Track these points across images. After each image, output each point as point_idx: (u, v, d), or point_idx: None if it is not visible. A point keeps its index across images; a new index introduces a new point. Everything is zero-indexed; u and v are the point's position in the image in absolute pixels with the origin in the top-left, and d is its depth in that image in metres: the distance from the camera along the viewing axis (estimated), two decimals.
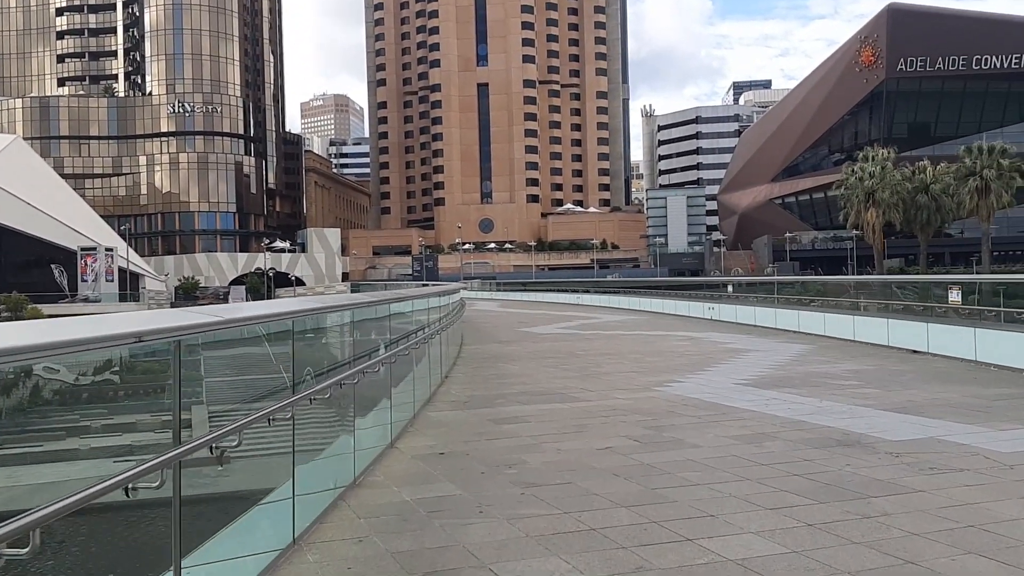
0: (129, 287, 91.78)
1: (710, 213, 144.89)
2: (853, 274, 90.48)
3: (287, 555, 5.28)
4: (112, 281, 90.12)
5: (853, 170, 78.39)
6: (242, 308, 4.96)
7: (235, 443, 4.25)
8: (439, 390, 13.41)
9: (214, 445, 4.11)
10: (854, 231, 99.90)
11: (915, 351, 17.54)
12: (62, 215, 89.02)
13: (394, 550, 5.41)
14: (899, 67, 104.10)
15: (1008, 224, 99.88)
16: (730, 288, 30.26)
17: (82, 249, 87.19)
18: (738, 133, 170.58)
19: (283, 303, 6.24)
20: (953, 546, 5.30)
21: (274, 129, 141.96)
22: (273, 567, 5.06)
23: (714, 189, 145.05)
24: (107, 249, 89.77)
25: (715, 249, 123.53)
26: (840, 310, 22.40)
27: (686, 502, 6.42)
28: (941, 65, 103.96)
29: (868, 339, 19.71)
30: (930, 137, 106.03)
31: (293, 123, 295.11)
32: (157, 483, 3.45)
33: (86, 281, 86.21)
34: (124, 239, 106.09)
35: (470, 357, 19.10)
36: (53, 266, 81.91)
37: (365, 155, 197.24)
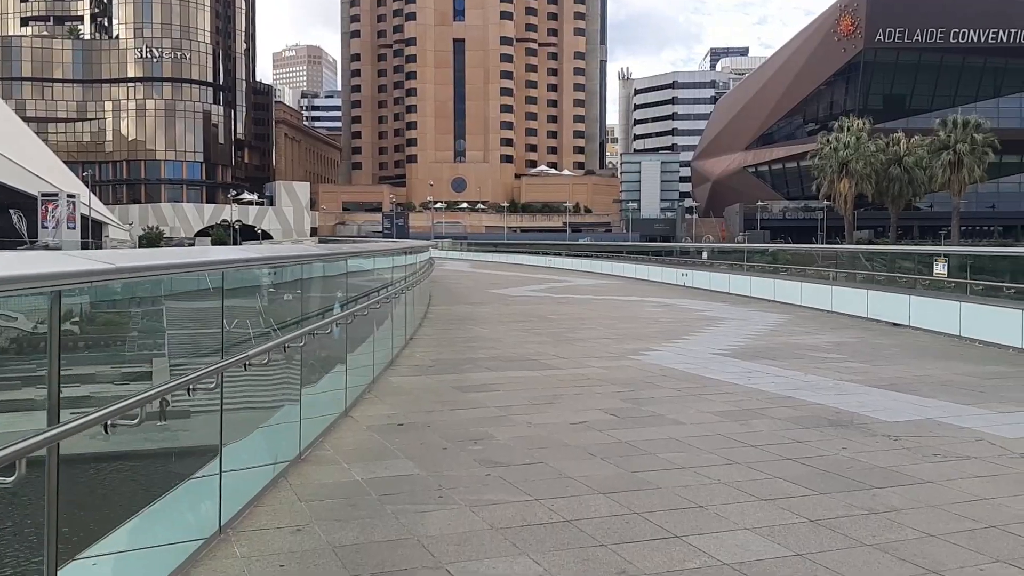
0: (92, 236, 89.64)
1: (684, 180, 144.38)
2: (822, 244, 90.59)
3: (210, 546, 4.51)
4: (74, 229, 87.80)
5: (828, 140, 77.98)
6: (149, 256, 4.10)
7: (135, 421, 3.43)
8: (402, 353, 12.63)
9: (109, 422, 3.30)
10: (825, 202, 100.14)
11: (896, 324, 17.02)
12: (23, 160, 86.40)
13: (337, 543, 4.66)
14: (877, 38, 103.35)
15: (976, 199, 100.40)
16: (704, 255, 29.70)
17: (43, 195, 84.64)
18: (714, 100, 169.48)
19: (211, 251, 5.41)
20: (977, 552, 4.64)
21: (244, 78, 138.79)
22: (192, 562, 4.29)
23: (688, 156, 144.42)
24: (69, 195, 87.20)
25: (687, 216, 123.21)
26: (817, 280, 21.84)
27: (670, 489, 5.72)
28: (919, 37, 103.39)
29: (846, 310, 19.17)
30: (905, 109, 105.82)
31: (264, 74, 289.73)
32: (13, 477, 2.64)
33: (46, 228, 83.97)
34: (88, 186, 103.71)
35: (438, 318, 18.32)
36: (12, 211, 79.44)
37: (337, 108, 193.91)
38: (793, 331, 16.14)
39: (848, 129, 77.67)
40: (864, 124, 78.49)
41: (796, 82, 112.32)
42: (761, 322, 17.69)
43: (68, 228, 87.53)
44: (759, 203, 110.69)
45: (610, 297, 25.47)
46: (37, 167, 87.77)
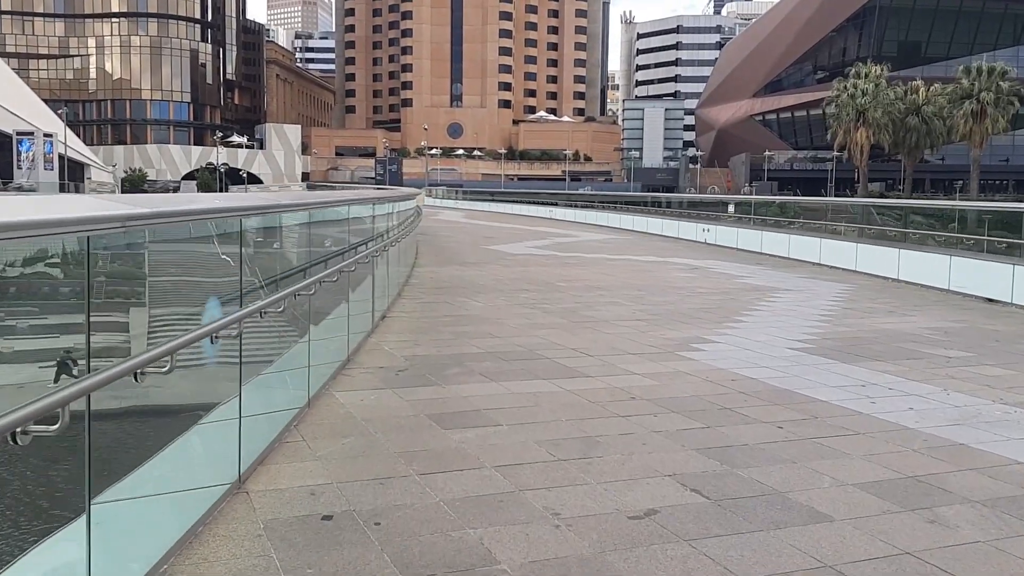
0: (72, 177, 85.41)
1: (687, 128, 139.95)
2: (830, 196, 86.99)
3: None
4: (52, 170, 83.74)
5: (845, 87, 73.82)
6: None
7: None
8: (367, 342, 9.23)
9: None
10: (835, 152, 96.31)
11: (991, 300, 13.64)
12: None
13: None
14: None
15: (990, 152, 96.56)
16: (730, 208, 26.21)
17: (18, 133, 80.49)
18: (719, 46, 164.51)
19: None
20: None
21: (234, 16, 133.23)
22: None
23: (692, 103, 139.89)
24: (46, 134, 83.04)
25: (691, 166, 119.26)
26: (878, 241, 18.40)
27: None
28: None
29: (917, 279, 15.79)
30: (920, 57, 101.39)
31: (258, 14, 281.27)
32: None
33: (21, 168, 79.85)
34: (67, 124, 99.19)
35: (422, 284, 14.90)
36: None
37: (332, 51, 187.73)
38: (872, 309, 12.74)
39: (866, 76, 73.49)
40: (882, 70, 74.30)
41: (807, 27, 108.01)
42: (825, 294, 14.30)
43: (45, 169, 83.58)
44: (766, 153, 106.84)
45: (626, 257, 22.00)
46: (12, 104, 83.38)
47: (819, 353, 9.03)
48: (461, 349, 8.88)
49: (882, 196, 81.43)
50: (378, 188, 52.96)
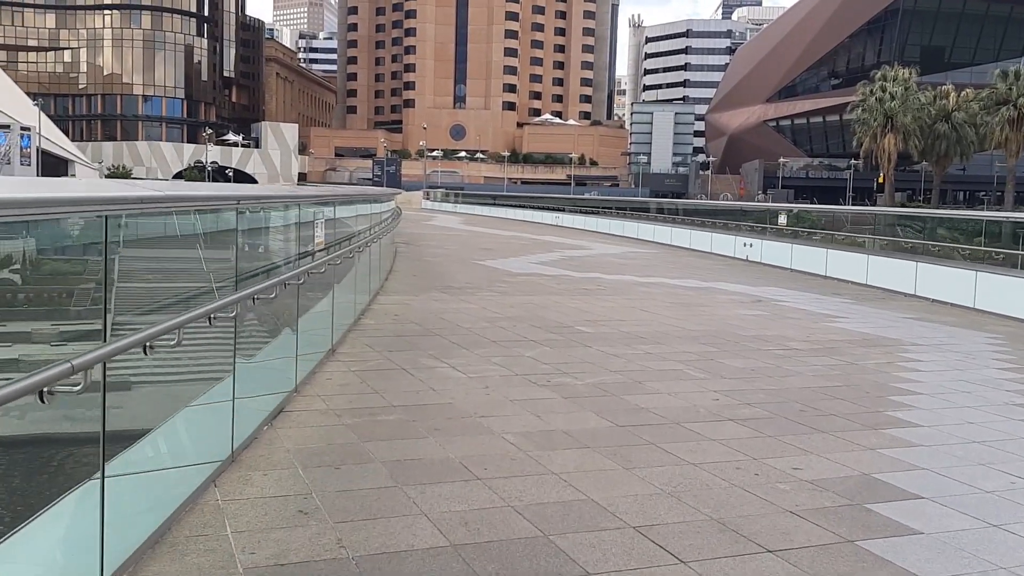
0: (53, 173, 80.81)
1: (697, 134, 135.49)
2: (848, 205, 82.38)
3: None
4: (28, 165, 79.21)
5: (872, 90, 69.20)
6: None
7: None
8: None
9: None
10: (853, 160, 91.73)
11: None
12: None
13: None
14: None
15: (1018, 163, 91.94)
16: (782, 219, 21.53)
17: None
18: (730, 50, 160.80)
19: None
20: None
21: (233, 11, 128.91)
22: None
23: (702, 108, 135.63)
24: (23, 128, 78.44)
25: (702, 172, 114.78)
26: (997, 267, 13.72)
27: None
28: None
29: None
30: (944, 63, 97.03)
31: (264, 15, 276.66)
32: None
33: None
34: (52, 119, 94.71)
35: (377, 328, 10.18)
36: None
37: (336, 51, 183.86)
38: None
39: (894, 79, 68.92)
40: (911, 74, 69.76)
41: (824, 31, 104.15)
42: (983, 354, 9.60)
43: (22, 164, 79.03)
44: (780, 160, 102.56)
45: (658, 280, 17.25)
46: None
47: None
48: (396, 539, 4.16)
49: (903, 206, 76.64)
50: (348, 186, 48.25)
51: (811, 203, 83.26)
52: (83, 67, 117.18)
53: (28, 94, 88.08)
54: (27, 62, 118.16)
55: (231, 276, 4.91)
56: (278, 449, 5.25)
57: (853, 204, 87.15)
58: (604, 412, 6.50)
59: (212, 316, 4.33)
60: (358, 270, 10.66)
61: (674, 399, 7.03)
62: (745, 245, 22.74)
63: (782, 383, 7.84)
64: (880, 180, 79.01)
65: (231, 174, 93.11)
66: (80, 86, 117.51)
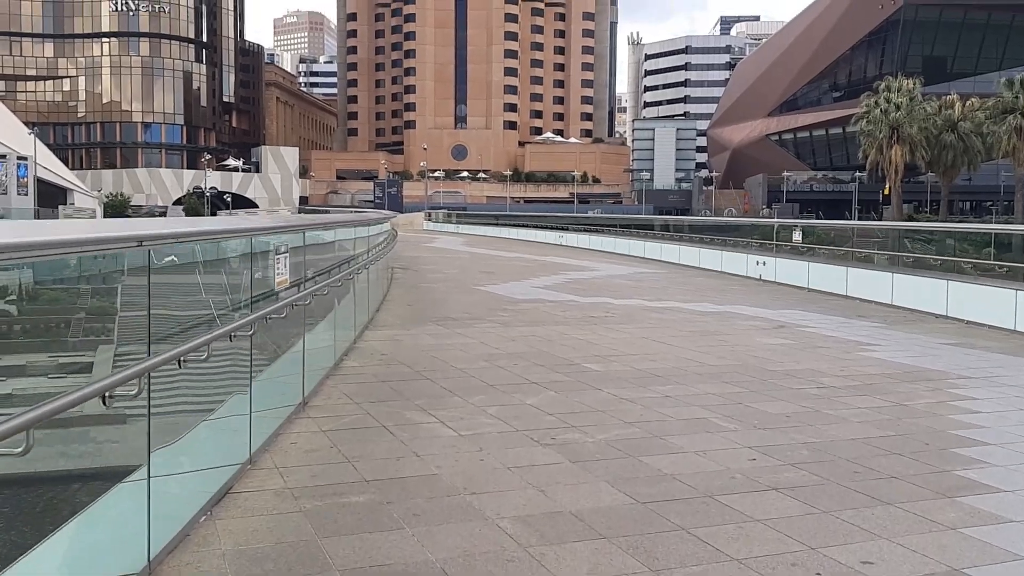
0: (52, 202, 79.89)
1: (700, 150, 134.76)
2: (855, 219, 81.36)
3: None
4: (25, 195, 78.39)
5: (876, 102, 68.28)
6: None
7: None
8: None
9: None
10: (857, 172, 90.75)
11: None
12: None
13: None
14: None
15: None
16: (797, 236, 20.43)
17: None
18: (729, 66, 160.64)
19: None
20: None
21: (232, 37, 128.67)
22: None
23: (703, 124, 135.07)
24: (20, 158, 77.63)
25: (705, 187, 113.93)
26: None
27: None
28: None
29: None
30: (947, 73, 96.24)
31: (265, 41, 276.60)
32: None
33: None
34: (51, 147, 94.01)
35: (361, 371, 9.06)
36: None
37: (336, 74, 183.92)
38: None
39: (898, 90, 68.02)
40: (915, 84, 68.87)
41: (825, 44, 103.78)
42: None
43: (19, 194, 78.28)
44: (784, 173, 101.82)
45: (670, 304, 16.12)
46: None
47: None
48: None
49: (910, 218, 75.64)
50: (355, 212, 47.32)
51: (817, 217, 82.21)
52: (82, 95, 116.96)
53: (26, 123, 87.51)
54: (26, 91, 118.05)
55: (141, 339, 3.83)
56: (211, 553, 4.14)
57: (859, 217, 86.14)
58: (620, 481, 5.39)
59: (107, 395, 3.26)
60: (340, 305, 9.59)
61: (703, 460, 5.91)
62: (758, 263, 21.64)
63: (825, 434, 6.72)
64: (886, 192, 78.06)
65: (229, 199, 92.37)
66: (79, 114, 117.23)
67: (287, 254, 6.55)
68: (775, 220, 26.36)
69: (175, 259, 4.56)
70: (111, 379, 3.33)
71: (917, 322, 13.75)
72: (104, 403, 3.30)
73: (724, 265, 23.87)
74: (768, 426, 6.89)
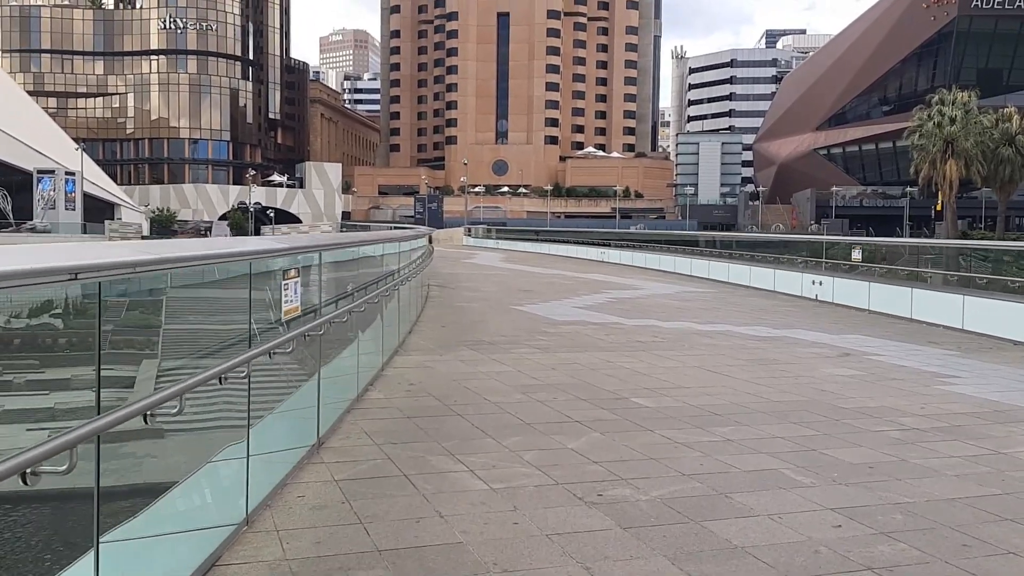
0: (101, 217, 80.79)
1: (745, 164, 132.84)
2: (906, 235, 79.16)
3: None
4: (73, 209, 79.34)
5: (930, 115, 66.37)
6: None
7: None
8: None
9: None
10: (909, 187, 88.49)
11: None
12: (20, 132, 77.96)
13: None
14: (974, 3, 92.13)
15: None
16: (856, 254, 19.28)
17: (38, 171, 76.34)
18: (775, 79, 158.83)
19: None
20: None
21: (278, 55, 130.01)
22: None
23: (748, 138, 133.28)
24: (68, 173, 78.69)
25: (751, 202, 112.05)
26: None
27: None
28: (1021, 2, 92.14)
29: None
30: (1002, 86, 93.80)
31: (311, 59, 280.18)
32: None
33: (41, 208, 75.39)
34: (100, 163, 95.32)
35: (388, 406, 8.21)
36: None
37: (379, 91, 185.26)
38: None
39: (952, 103, 66.08)
40: (971, 96, 66.87)
41: (874, 57, 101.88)
42: None
43: (67, 209, 79.17)
44: (833, 188, 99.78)
45: (722, 327, 15.11)
46: (38, 142, 79.33)
47: None
48: None
49: (964, 236, 73.34)
50: (393, 228, 46.84)
51: (867, 233, 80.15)
52: (131, 112, 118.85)
53: (76, 139, 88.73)
54: (76, 108, 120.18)
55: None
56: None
57: (911, 233, 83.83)
58: (682, 557, 4.47)
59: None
60: (365, 334, 8.79)
61: (779, 527, 4.97)
62: (814, 283, 20.50)
63: (918, 491, 5.72)
64: (938, 207, 75.95)
65: (272, 214, 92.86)
66: (128, 131, 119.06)
67: (297, 279, 5.75)
68: (833, 237, 25.18)
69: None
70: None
71: (995, 350, 12.61)
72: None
73: (777, 284, 22.75)
74: (850, 480, 5.92)
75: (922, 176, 67.91)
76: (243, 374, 4.48)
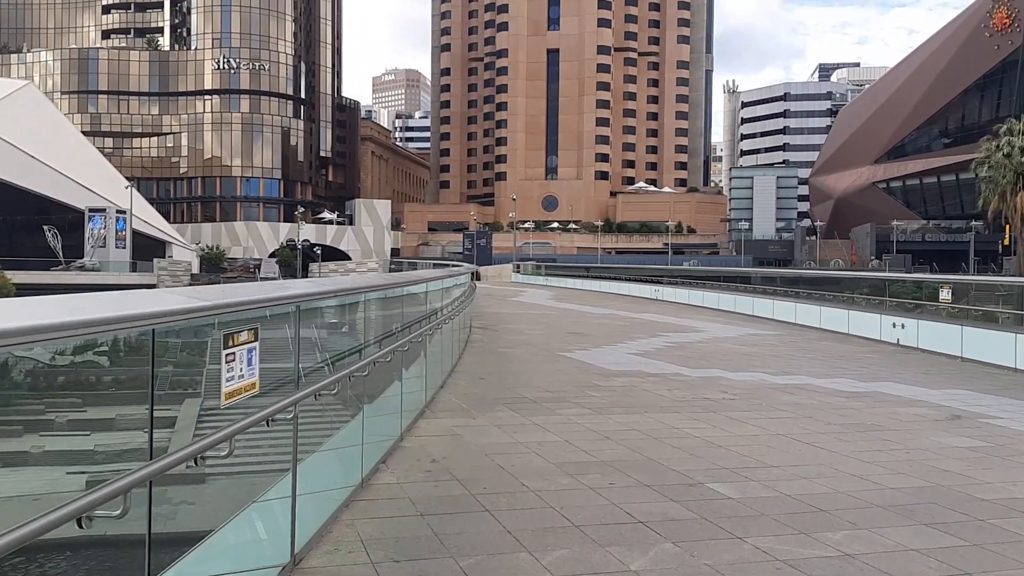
0: (151, 255, 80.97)
1: (801, 199, 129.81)
2: (974, 272, 75.65)
3: None
4: (123, 248, 79.65)
5: (998, 145, 63.58)
6: None
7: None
8: None
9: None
10: (972, 221, 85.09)
11: None
12: (73, 171, 78.73)
13: None
14: None
15: None
16: (945, 294, 17.15)
17: (90, 210, 76.93)
18: (830, 112, 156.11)
19: None
20: None
21: (329, 93, 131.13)
22: None
23: (803, 172, 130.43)
24: (119, 211, 79.12)
25: (808, 237, 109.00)
26: None
27: None
28: None
29: None
30: None
31: (364, 98, 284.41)
32: None
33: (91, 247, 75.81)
34: (153, 202, 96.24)
35: (400, 495, 6.45)
36: (45, 228, 71.68)
37: (430, 129, 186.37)
38: None
39: (1022, 132, 63.24)
40: None
41: (935, 87, 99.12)
42: None
43: (117, 247, 79.49)
44: (894, 223, 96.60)
45: (800, 380, 13.16)
46: (90, 180, 80.00)
47: None
48: None
49: None
50: (436, 265, 45.43)
51: (931, 269, 76.86)
52: (184, 151, 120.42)
53: (130, 178, 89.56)
54: (131, 148, 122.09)
55: None
56: None
57: (978, 269, 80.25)
58: None
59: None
60: (374, 403, 7.14)
61: None
62: (895, 326, 18.44)
63: None
64: (1005, 242, 72.65)
65: (319, 252, 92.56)
66: (181, 170, 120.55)
67: (251, 343, 4.11)
68: (920, 276, 23.05)
69: None
70: None
71: None
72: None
73: (851, 326, 20.67)
74: None
75: (992, 209, 64.86)
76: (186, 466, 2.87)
